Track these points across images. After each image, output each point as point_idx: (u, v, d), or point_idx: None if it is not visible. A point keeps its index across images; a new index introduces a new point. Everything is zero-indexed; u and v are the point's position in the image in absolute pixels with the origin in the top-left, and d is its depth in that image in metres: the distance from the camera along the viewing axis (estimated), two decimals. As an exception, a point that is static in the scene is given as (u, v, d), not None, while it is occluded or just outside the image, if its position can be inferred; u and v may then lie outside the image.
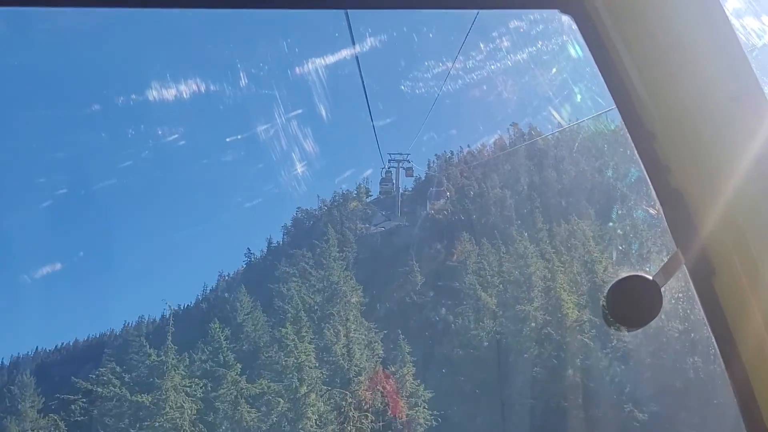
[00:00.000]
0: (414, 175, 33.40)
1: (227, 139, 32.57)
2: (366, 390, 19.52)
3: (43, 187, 32.53)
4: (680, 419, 16.67)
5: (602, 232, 24.68)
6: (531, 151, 29.57)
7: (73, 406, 20.65)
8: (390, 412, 20.18)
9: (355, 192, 31.53)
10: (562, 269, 23.39)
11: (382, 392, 20.44)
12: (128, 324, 27.42)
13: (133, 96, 29.43)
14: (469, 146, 35.49)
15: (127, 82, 37.10)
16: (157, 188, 41.75)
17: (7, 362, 26.66)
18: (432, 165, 35.00)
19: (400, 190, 32.08)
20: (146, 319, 28.83)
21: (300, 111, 28.20)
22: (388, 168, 31.37)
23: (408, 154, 31.85)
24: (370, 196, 32.32)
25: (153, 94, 27.05)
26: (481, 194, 29.46)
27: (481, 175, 30.34)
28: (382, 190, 31.67)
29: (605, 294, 0.70)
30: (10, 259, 27.88)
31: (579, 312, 20.95)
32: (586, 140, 26.87)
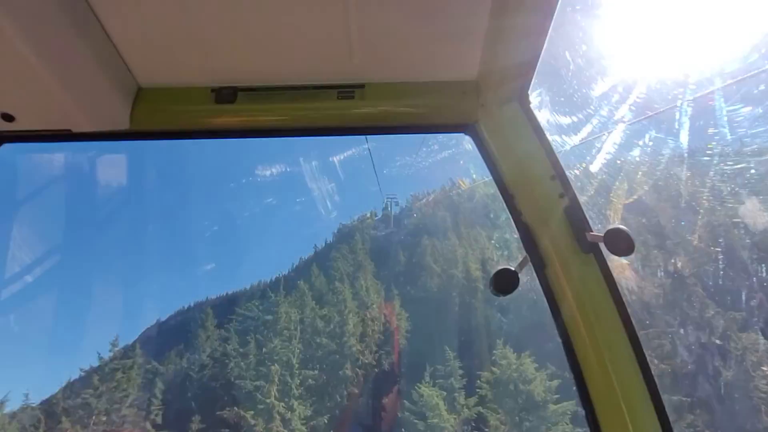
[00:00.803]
0: (399, 204, 57.55)
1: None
2: (379, 311, 41.48)
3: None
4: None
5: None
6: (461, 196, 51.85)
7: (232, 324, 42.42)
8: (390, 323, 42.25)
9: (369, 215, 55.33)
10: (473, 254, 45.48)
11: (385, 315, 42.35)
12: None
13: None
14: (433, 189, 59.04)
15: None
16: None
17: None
18: (410, 200, 59.13)
19: (393, 213, 55.67)
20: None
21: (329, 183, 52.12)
22: (386, 201, 55.17)
23: (395, 195, 56.11)
24: (377, 216, 55.84)
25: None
26: (434, 214, 51.98)
27: (434, 204, 53.32)
28: (383, 214, 55.56)
29: (491, 277, 1.22)
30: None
31: (479, 273, 42.97)
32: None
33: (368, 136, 42.24)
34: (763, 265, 31.60)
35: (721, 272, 33.13)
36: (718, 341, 28.67)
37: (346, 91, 1.22)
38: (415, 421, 27.40)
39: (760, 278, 31.52)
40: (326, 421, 29.49)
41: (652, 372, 1.04)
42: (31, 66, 0.94)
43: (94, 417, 32.61)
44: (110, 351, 34.51)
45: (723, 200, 31.27)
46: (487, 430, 27.83)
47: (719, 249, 32.80)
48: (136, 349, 37.80)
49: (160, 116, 1.25)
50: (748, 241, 31.91)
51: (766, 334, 29.30)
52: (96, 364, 35.15)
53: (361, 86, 1.23)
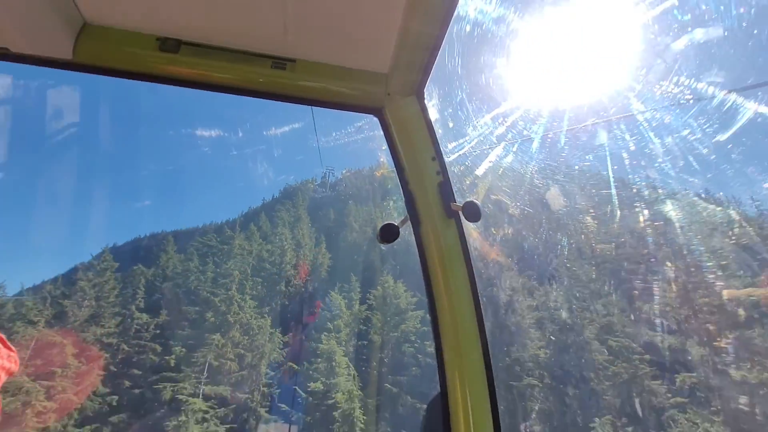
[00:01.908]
0: (335, 175, 72.51)
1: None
2: (309, 251, 56.62)
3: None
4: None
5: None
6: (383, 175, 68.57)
7: (193, 250, 54.83)
8: (316, 259, 57.65)
9: (311, 180, 69.91)
10: (383, 217, 62.44)
11: (313, 254, 57.57)
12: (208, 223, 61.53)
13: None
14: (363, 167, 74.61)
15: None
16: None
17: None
18: (344, 173, 74.80)
19: (330, 181, 70.82)
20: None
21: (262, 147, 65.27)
22: (326, 171, 69.59)
23: (333, 167, 70.65)
24: (317, 182, 70.52)
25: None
26: (361, 186, 67.98)
27: (362, 178, 69.51)
28: (322, 180, 70.11)
29: (377, 230, 1.44)
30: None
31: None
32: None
33: (315, 113, 56.47)
34: (559, 234, 50.09)
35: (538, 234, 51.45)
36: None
37: (279, 62, 1.40)
38: (326, 312, 43.66)
39: (550, 236, 50.09)
40: (267, 311, 44.59)
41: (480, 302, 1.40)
42: None
43: (86, 301, 43.96)
44: (101, 253, 45.74)
45: (539, 188, 49.79)
46: (370, 324, 44.90)
47: (533, 219, 51.21)
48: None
49: (104, 53, 1.32)
50: (556, 214, 50.72)
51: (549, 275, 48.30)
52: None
53: (293, 60, 1.41)
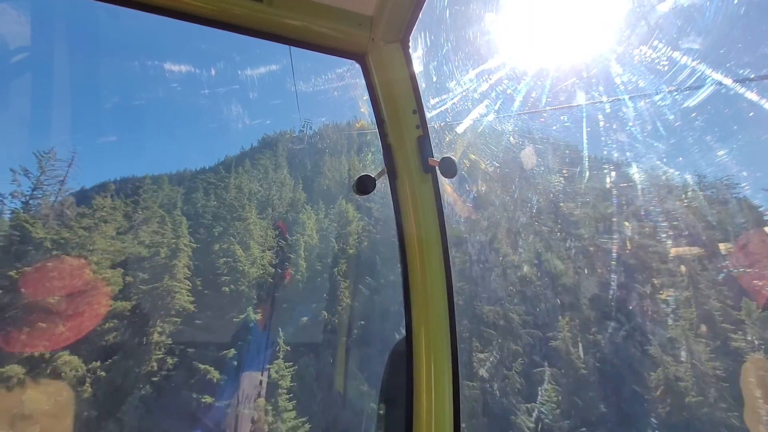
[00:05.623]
0: (312, 128, 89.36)
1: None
2: (289, 190, 74.23)
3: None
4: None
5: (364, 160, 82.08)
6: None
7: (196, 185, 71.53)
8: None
9: (288, 132, 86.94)
10: (354, 169, 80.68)
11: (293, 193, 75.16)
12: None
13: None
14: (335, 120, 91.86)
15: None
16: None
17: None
18: (320, 125, 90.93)
19: (307, 134, 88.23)
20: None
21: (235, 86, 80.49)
22: (304, 123, 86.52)
23: (311, 119, 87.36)
24: (295, 134, 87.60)
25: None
26: (337, 140, 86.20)
27: (338, 131, 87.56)
28: (300, 133, 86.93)
29: (354, 181, 1.51)
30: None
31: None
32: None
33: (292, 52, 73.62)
34: (531, 195, 53.10)
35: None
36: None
37: None
38: (302, 218, 61.95)
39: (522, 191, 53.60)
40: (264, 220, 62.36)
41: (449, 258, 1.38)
42: None
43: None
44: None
45: (516, 149, 54.38)
46: (329, 229, 63.26)
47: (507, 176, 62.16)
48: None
49: None
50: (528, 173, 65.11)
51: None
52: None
53: None
